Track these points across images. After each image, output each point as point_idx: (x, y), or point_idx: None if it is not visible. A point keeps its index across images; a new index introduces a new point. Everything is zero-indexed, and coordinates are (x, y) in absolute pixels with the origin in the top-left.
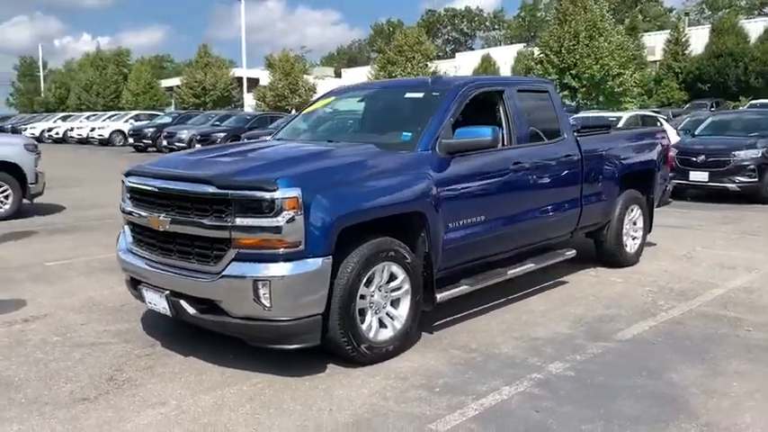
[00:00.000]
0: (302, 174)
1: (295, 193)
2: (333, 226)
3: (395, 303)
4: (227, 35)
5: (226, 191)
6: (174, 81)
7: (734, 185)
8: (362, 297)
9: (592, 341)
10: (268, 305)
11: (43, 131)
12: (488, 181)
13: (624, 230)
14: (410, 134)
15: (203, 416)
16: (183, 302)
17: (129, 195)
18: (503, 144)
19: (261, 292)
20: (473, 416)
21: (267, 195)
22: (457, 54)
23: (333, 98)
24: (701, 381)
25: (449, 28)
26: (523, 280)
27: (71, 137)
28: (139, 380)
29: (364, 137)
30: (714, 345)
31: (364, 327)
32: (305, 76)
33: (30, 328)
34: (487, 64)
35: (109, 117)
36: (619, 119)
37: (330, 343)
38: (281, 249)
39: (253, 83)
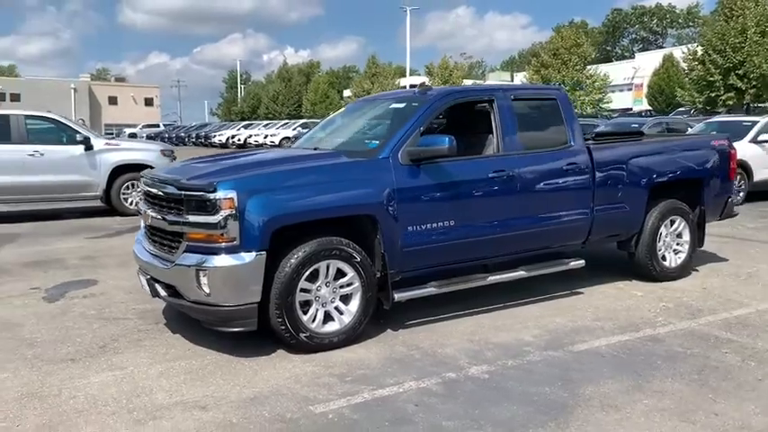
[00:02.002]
0: (241, 179)
1: (231, 195)
2: (266, 225)
3: (346, 299)
4: (418, 44)
5: (181, 192)
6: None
7: None
8: (306, 290)
9: (541, 350)
10: (207, 292)
11: (228, 138)
12: (459, 188)
13: (662, 243)
14: (377, 142)
15: (141, 380)
16: (157, 285)
17: (141, 195)
18: (495, 151)
19: (202, 279)
20: (356, 403)
21: (210, 196)
22: (636, 54)
23: (343, 109)
24: (612, 395)
25: (636, 26)
26: (536, 288)
27: (250, 143)
28: (123, 349)
29: (345, 145)
30: (668, 363)
31: (306, 318)
32: (465, 82)
33: (81, 302)
34: (669, 64)
35: (282, 125)
36: (754, 123)
37: (274, 330)
38: (220, 243)
39: None
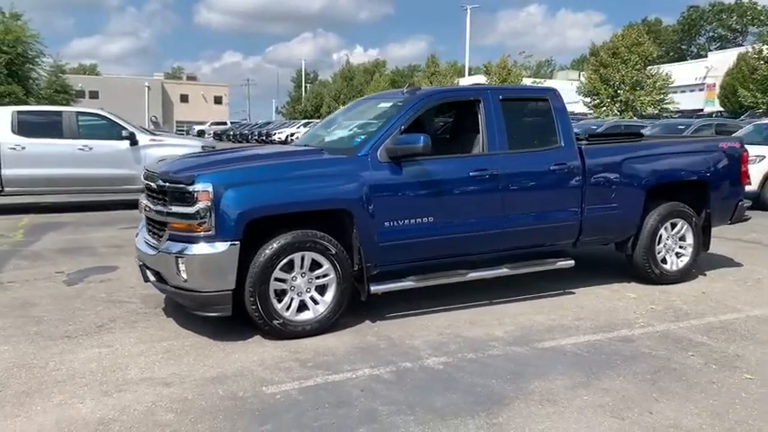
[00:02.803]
0: (219, 173)
1: (208, 187)
2: (239, 216)
3: (322, 289)
4: (489, 42)
5: (165, 184)
6: None
7: None
8: (281, 280)
9: (506, 345)
10: (185, 278)
11: (287, 136)
12: (438, 186)
13: (662, 246)
14: (359, 140)
15: (122, 358)
16: (147, 272)
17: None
18: (481, 151)
19: (180, 266)
20: (306, 386)
21: (189, 188)
22: (710, 53)
23: (343, 108)
24: (556, 391)
25: (714, 24)
26: (530, 285)
27: None
28: (117, 329)
29: (334, 142)
30: (627, 363)
31: (280, 305)
32: (524, 81)
33: (96, 286)
34: (743, 63)
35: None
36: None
37: (249, 317)
38: (197, 233)
39: None
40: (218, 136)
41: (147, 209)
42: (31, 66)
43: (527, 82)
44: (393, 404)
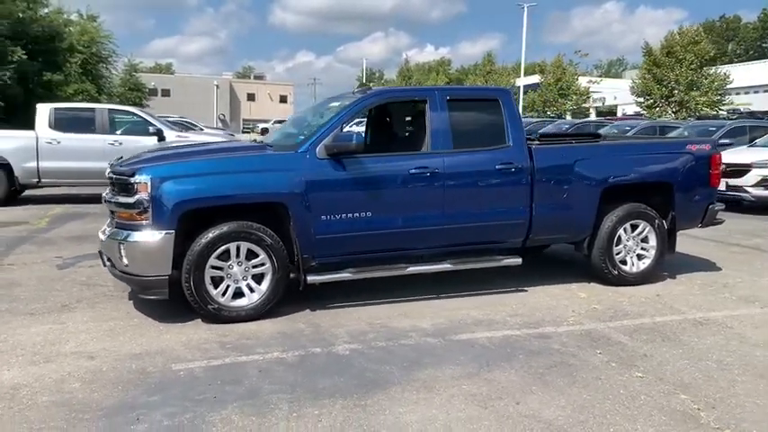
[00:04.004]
0: (158, 166)
1: (146, 180)
2: (174, 207)
3: (260, 278)
4: (561, 40)
5: (113, 175)
6: None
7: None
8: (218, 268)
9: (423, 336)
10: (126, 263)
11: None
12: (377, 182)
13: (622, 247)
14: (301, 138)
15: (66, 334)
16: (104, 256)
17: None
18: (426, 149)
19: (122, 252)
20: (212, 365)
21: (130, 180)
22: None
23: (311, 106)
24: (442, 379)
25: None
26: (486, 283)
27: None
28: (78, 309)
29: (286, 139)
30: (528, 357)
31: (215, 291)
32: (578, 81)
33: (82, 271)
34: None
35: None
36: None
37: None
38: (136, 222)
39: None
40: None
41: (105, 199)
42: (104, 65)
43: (582, 81)
44: (279, 384)
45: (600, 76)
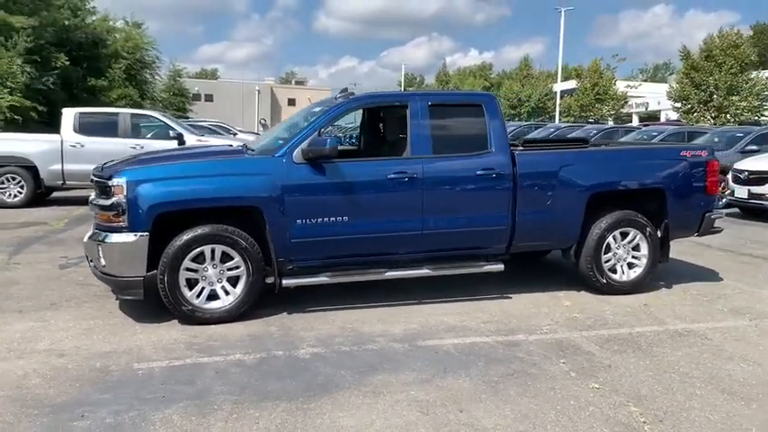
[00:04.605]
0: (134, 170)
1: (122, 183)
2: (148, 210)
3: (234, 281)
4: (609, 44)
5: (94, 178)
6: None
7: None
8: (192, 270)
9: (391, 341)
10: (104, 263)
11: None
12: (355, 187)
13: (611, 255)
14: (280, 143)
15: (46, 332)
16: (88, 258)
17: None
18: (407, 154)
19: (100, 253)
20: (172, 365)
21: (108, 183)
22: None
23: (300, 112)
24: (392, 384)
25: None
26: (472, 288)
27: None
28: (63, 308)
29: (269, 143)
30: (488, 365)
31: (190, 293)
32: (616, 86)
33: (81, 271)
34: None
35: None
36: None
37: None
38: (113, 224)
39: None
40: None
41: (89, 202)
42: (148, 70)
43: (620, 85)
44: (230, 386)
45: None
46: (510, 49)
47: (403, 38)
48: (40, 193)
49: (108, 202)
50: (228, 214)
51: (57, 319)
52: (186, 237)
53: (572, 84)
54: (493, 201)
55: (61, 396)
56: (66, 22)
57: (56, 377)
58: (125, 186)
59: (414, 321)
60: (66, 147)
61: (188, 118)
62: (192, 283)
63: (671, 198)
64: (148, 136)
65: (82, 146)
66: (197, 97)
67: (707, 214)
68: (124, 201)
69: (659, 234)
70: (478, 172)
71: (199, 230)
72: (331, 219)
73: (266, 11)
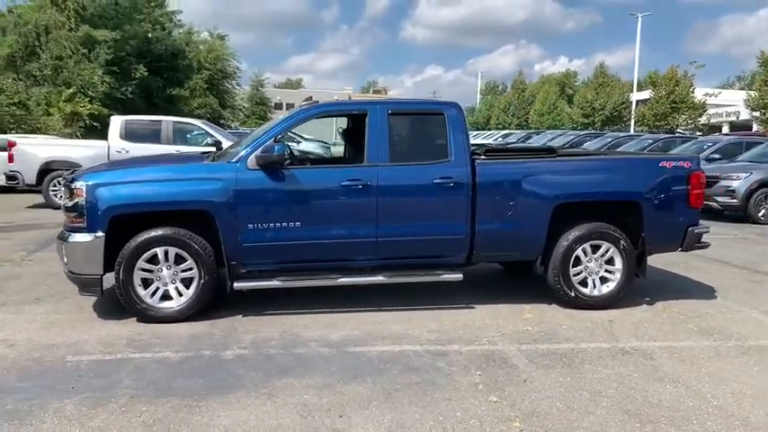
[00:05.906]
0: (94, 174)
1: (81, 186)
2: (104, 212)
3: (188, 282)
4: (710, 50)
5: (65, 182)
6: None
7: None
8: (147, 270)
9: (322, 346)
10: (66, 261)
11: None
12: (307, 193)
13: (582, 268)
14: (240, 149)
15: (14, 323)
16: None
17: None
18: (364, 162)
19: (63, 251)
20: (104, 359)
21: (71, 185)
22: None
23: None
24: (293, 387)
25: None
26: (438, 298)
27: None
28: (43, 302)
29: (234, 151)
30: (402, 372)
31: (144, 293)
32: (694, 93)
33: None
34: None
35: (484, 135)
36: None
37: None
38: (75, 224)
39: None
40: None
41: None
42: (229, 80)
43: (699, 93)
44: (139, 381)
45: (740, 88)
46: (601, 56)
47: (490, 46)
48: None
49: (70, 204)
50: (185, 217)
51: (31, 312)
52: (141, 238)
53: (647, 93)
54: (450, 210)
55: None
56: (150, 35)
57: None
58: (84, 189)
59: (360, 328)
60: (112, 152)
61: (262, 124)
62: (147, 283)
63: (648, 211)
64: (184, 142)
65: (127, 151)
66: (279, 106)
67: (690, 228)
68: (83, 203)
69: (636, 248)
70: (436, 180)
71: (153, 233)
72: (283, 224)
73: (354, 22)
